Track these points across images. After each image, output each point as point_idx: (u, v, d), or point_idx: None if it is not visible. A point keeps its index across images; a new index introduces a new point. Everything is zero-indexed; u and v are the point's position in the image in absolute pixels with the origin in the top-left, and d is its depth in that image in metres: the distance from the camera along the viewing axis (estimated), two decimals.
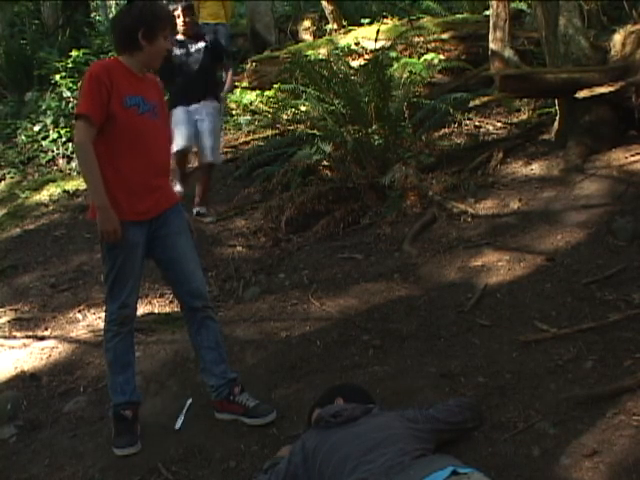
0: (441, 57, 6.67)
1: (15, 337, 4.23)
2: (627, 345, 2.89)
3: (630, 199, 4.17)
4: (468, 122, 6.27)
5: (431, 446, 2.29)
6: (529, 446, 2.40)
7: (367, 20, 8.49)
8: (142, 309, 4.25)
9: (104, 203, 2.69)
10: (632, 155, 4.64)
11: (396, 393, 2.89)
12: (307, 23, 10.20)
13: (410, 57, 6.72)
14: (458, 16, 7.84)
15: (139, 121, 2.77)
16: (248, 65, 8.33)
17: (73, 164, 7.38)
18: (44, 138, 7.79)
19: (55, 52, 9.49)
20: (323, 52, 7.44)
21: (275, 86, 7.21)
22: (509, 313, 3.41)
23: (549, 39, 5.17)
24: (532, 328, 3.21)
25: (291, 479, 2.32)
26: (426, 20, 7.77)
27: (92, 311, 4.44)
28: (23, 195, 6.99)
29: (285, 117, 6.50)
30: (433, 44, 7.23)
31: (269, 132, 6.91)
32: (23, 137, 8.03)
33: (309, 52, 7.02)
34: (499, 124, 6.19)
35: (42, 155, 7.75)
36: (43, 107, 8.03)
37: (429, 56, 6.55)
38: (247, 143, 7.01)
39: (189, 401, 3.12)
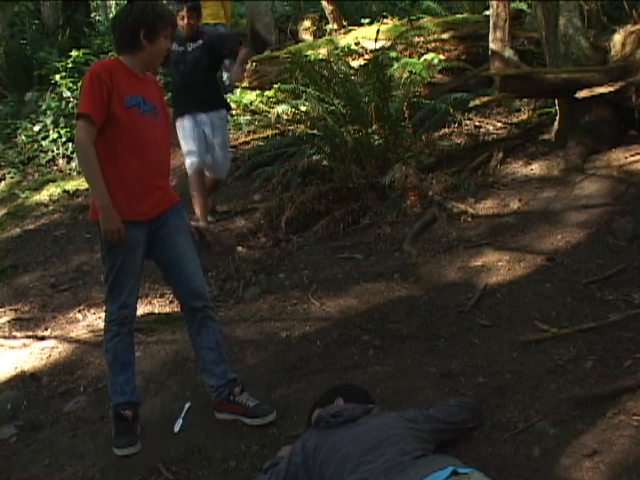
0: (441, 57, 6.67)
1: (15, 337, 4.23)
2: (627, 345, 2.89)
3: (630, 199, 4.17)
4: (468, 122, 6.27)
5: (431, 446, 2.29)
6: (529, 446, 2.40)
7: (367, 20, 8.48)
8: (142, 309, 4.25)
9: (106, 202, 2.69)
10: (632, 155, 4.64)
11: (396, 393, 2.89)
12: (307, 23, 10.20)
13: (410, 57, 6.72)
14: (458, 16, 7.83)
15: (140, 121, 2.77)
16: (248, 65, 8.32)
17: (73, 164, 7.38)
18: (44, 138, 7.79)
19: (55, 52, 9.48)
20: (323, 52, 7.43)
21: (275, 86, 7.21)
22: (509, 313, 3.41)
23: (549, 39, 5.17)
24: (532, 328, 3.21)
25: (291, 479, 2.32)
26: (426, 20, 7.76)
27: (92, 311, 4.44)
28: (23, 195, 6.99)
29: (285, 117, 6.50)
30: (433, 44, 7.22)
31: (269, 132, 6.91)
32: (23, 137, 8.03)
33: (309, 52, 7.02)
34: (499, 124, 6.19)
35: (42, 155, 7.74)
36: (43, 107, 8.02)
37: (429, 56, 6.55)
38: (247, 143, 7.00)
39: (187, 404, 3.12)
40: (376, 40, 6.48)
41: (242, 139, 7.16)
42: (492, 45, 6.32)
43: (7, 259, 5.60)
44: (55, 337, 4.13)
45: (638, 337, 2.93)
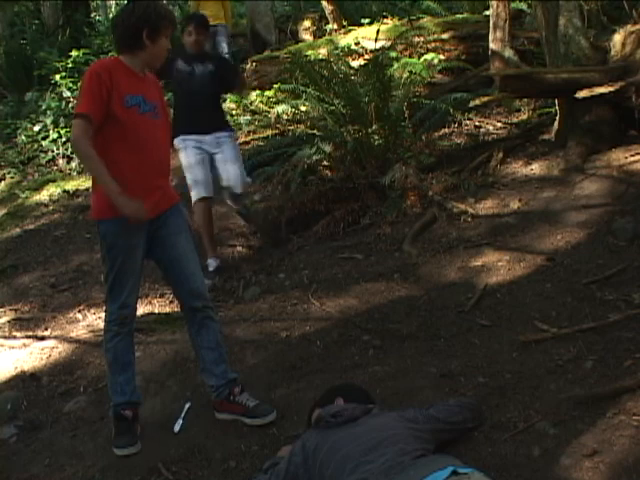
0: (441, 57, 6.67)
1: (15, 337, 4.23)
2: (627, 345, 2.89)
3: (630, 199, 4.17)
4: (468, 122, 6.27)
5: (431, 446, 2.29)
6: (529, 446, 2.40)
7: (367, 20, 8.49)
8: (142, 309, 4.25)
9: (116, 190, 2.67)
10: (632, 155, 4.64)
11: (396, 393, 2.89)
12: (307, 23, 10.20)
13: (410, 57, 6.72)
14: (458, 16, 7.84)
15: (140, 121, 2.77)
16: (248, 65, 8.33)
17: (73, 164, 7.38)
18: (44, 138, 7.79)
19: (55, 52, 9.48)
20: (323, 52, 7.44)
21: (275, 86, 7.21)
22: (509, 313, 3.41)
23: (549, 39, 5.17)
24: (532, 328, 3.21)
25: (291, 479, 2.32)
26: (426, 20, 7.77)
27: (92, 311, 4.44)
28: (23, 195, 6.99)
29: (285, 117, 6.51)
30: (433, 44, 7.24)
31: (269, 132, 6.91)
32: (23, 137, 8.02)
33: (309, 52, 7.02)
34: (499, 124, 6.19)
35: (42, 155, 7.74)
36: (43, 107, 8.02)
37: (429, 56, 6.55)
38: (247, 143, 7.00)
39: (187, 404, 3.12)
40: (376, 40, 6.48)
41: (242, 139, 7.16)
42: (492, 45, 6.33)
43: (7, 259, 5.60)
44: (55, 337, 4.13)
45: (638, 337, 2.93)
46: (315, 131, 5.73)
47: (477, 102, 5.58)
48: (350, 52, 7.39)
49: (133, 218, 2.70)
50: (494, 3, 6.27)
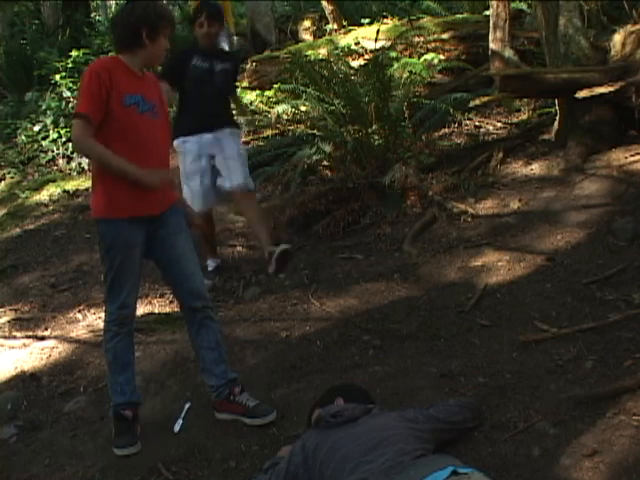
0: (441, 57, 6.67)
1: (15, 337, 4.23)
2: (627, 345, 2.89)
3: (630, 199, 4.17)
4: (468, 122, 6.27)
5: (431, 446, 2.29)
6: (529, 446, 2.40)
7: (367, 20, 8.48)
8: (142, 309, 4.25)
9: (130, 168, 2.71)
10: (632, 155, 4.64)
11: (396, 393, 2.89)
12: (307, 23, 10.20)
13: (410, 57, 6.72)
14: (458, 16, 7.83)
15: (138, 120, 2.77)
16: (248, 65, 8.32)
17: (73, 164, 7.38)
18: (44, 138, 7.78)
19: (55, 52, 9.48)
20: (323, 52, 7.43)
21: (275, 86, 7.21)
22: (509, 313, 3.41)
23: (549, 39, 5.17)
24: (532, 328, 3.21)
25: (291, 479, 2.32)
26: (426, 20, 7.77)
27: (92, 311, 4.44)
28: (23, 195, 6.99)
29: (285, 117, 6.50)
30: (433, 44, 7.23)
31: (269, 132, 6.91)
32: (23, 137, 8.02)
33: (309, 52, 7.02)
34: (499, 124, 6.19)
35: (42, 155, 7.74)
36: (43, 107, 8.02)
37: (429, 56, 6.55)
38: (247, 143, 7.00)
39: (187, 405, 3.12)
40: (376, 40, 6.48)
41: (242, 139, 7.17)
42: (492, 45, 6.33)
43: (7, 259, 5.60)
44: (55, 337, 4.13)
45: (638, 337, 2.93)
46: (315, 131, 5.73)
47: (477, 102, 5.58)
48: (350, 52, 7.39)
49: (161, 184, 2.79)
50: (494, 3, 6.27)
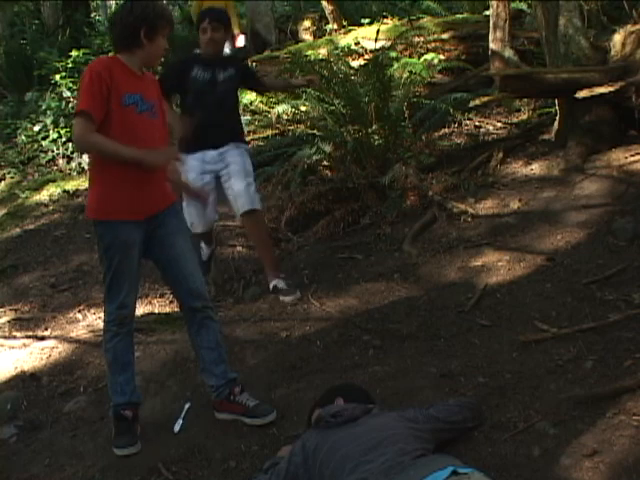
0: (441, 57, 6.67)
1: (15, 337, 4.23)
2: (627, 345, 2.89)
3: (630, 199, 4.17)
4: (468, 122, 6.27)
5: (431, 446, 2.29)
6: (529, 446, 2.40)
7: (367, 20, 8.48)
8: (142, 309, 4.25)
9: (139, 153, 2.72)
10: (632, 155, 4.64)
11: (396, 393, 2.89)
12: (307, 23, 10.21)
13: (410, 57, 6.72)
14: (458, 16, 7.84)
15: (137, 120, 2.77)
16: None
17: (73, 164, 7.39)
18: (44, 138, 7.79)
19: (55, 52, 9.48)
20: (323, 52, 7.43)
21: None
22: (509, 313, 3.41)
23: (549, 39, 5.17)
24: (532, 328, 3.21)
25: (291, 479, 2.32)
26: (426, 20, 7.77)
27: (92, 311, 4.44)
28: (23, 195, 6.99)
29: (285, 117, 6.50)
30: (433, 44, 7.23)
31: (269, 132, 6.91)
32: (23, 137, 8.03)
33: (309, 52, 7.02)
34: (499, 124, 6.19)
35: (42, 155, 7.74)
36: (43, 107, 8.02)
37: (429, 56, 6.55)
38: (247, 143, 7.00)
39: (187, 404, 3.12)
40: (376, 40, 6.48)
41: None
42: (492, 45, 6.32)
43: (7, 259, 5.60)
44: (55, 337, 4.14)
45: (638, 337, 2.93)
46: (315, 131, 5.73)
47: (477, 102, 5.57)
48: (350, 52, 7.39)
49: (174, 159, 2.91)
50: (494, 3, 6.27)
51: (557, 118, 5.33)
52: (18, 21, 12.14)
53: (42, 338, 4.14)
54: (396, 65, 5.92)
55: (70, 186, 6.91)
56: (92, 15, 13.38)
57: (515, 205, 4.56)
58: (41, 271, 5.26)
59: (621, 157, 4.68)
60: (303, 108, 6.15)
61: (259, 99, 7.32)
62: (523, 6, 7.38)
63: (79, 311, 4.49)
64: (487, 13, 6.80)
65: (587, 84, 4.66)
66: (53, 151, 7.67)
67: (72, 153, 7.47)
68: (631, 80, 4.60)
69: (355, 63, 6.53)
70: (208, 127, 3.93)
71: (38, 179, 7.33)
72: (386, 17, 8.48)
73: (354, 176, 5.15)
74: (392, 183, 4.91)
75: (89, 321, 4.32)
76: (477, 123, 6.29)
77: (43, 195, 6.89)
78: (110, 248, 2.79)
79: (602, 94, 4.58)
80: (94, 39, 10.44)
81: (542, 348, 3.01)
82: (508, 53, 6.23)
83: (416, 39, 7.25)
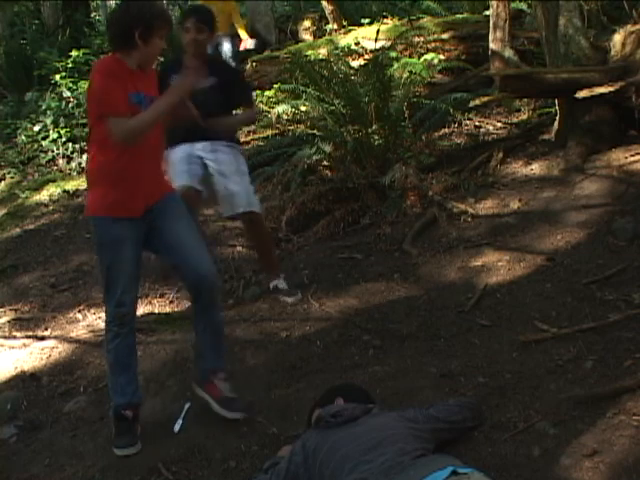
0: (441, 57, 6.67)
1: (15, 337, 4.23)
2: (627, 345, 2.89)
3: (630, 199, 4.17)
4: (468, 122, 6.27)
5: (431, 446, 2.29)
6: (529, 446, 2.40)
7: (367, 20, 8.49)
8: (142, 309, 4.25)
9: (172, 98, 2.77)
10: (632, 155, 4.64)
11: (396, 393, 2.89)
12: (307, 23, 10.21)
13: (410, 57, 6.72)
14: (458, 16, 7.84)
15: None
16: (248, 65, 8.32)
17: (73, 164, 7.38)
18: (44, 138, 7.78)
19: (55, 52, 9.48)
20: (323, 52, 7.44)
21: (275, 86, 7.21)
22: (509, 313, 3.41)
23: (549, 39, 5.17)
24: (532, 328, 3.21)
25: (292, 479, 2.32)
26: (426, 20, 7.77)
27: (92, 311, 4.44)
28: (23, 195, 6.99)
29: (285, 117, 6.50)
30: (433, 44, 7.24)
31: (269, 132, 6.91)
32: (23, 137, 8.02)
33: (309, 52, 7.02)
34: (499, 124, 6.19)
35: (42, 155, 7.74)
36: (43, 107, 8.02)
37: (429, 56, 6.55)
38: (247, 143, 7.00)
39: (187, 404, 3.12)
40: (376, 40, 6.48)
41: (242, 139, 7.15)
42: (492, 45, 6.33)
43: (7, 259, 5.59)
44: (55, 337, 4.13)
45: (638, 337, 2.93)
46: (315, 131, 5.73)
47: (477, 102, 5.58)
48: (350, 52, 7.40)
49: (192, 81, 2.86)
50: (494, 3, 6.27)
51: (557, 118, 5.33)
52: (18, 21, 12.14)
53: (42, 338, 4.14)
54: (396, 65, 5.92)
55: (70, 186, 6.91)
56: (92, 15, 13.38)
57: (515, 205, 4.56)
58: (41, 271, 5.26)
59: (621, 157, 4.68)
60: (303, 108, 6.15)
61: (259, 99, 7.32)
62: (523, 6, 7.38)
63: (79, 311, 4.48)
64: (487, 13, 6.80)
65: (587, 84, 4.66)
66: (53, 151, 7.67)
67: (72, 153, 7.47)
68: (631, 80, 4.60)
69: (355, 63, 6.54)
70: (194, 129, 3.46)
71: (38, 179, 7.32)
72: (386, 17, 8.48)
73: (354, 176, 5.15)
74: (392, 183, 4.91)
75: (89, 321, 4.32)
76: (477, 123, 6.29)
77: (43, 195, 6.88)
78: (102, 245, 2.82)
79: (602, 94, 4.58)
80: (94, 39, 10.45)
81: (542, 348, 3.01)
82: (508, 53, 6.24)
83: (416, 39, 7.25)
